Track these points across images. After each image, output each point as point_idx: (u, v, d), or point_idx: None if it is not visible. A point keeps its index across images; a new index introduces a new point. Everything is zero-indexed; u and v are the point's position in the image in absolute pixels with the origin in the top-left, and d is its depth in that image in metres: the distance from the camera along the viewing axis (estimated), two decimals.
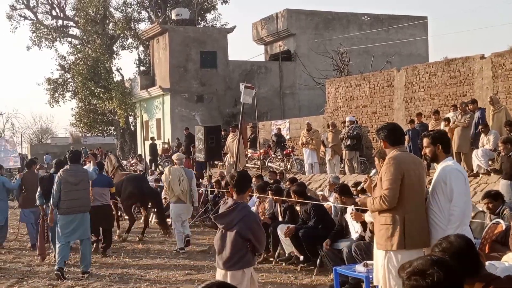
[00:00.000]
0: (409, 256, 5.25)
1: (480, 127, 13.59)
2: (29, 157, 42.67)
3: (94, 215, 10.47)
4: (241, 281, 5.41)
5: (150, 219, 14.82)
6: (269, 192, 10.87)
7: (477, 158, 13.29)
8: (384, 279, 5.54)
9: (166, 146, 29.20)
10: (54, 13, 41.96)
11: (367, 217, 6.98)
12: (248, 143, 23.65)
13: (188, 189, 11.58)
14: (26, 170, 13.48)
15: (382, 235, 5.57)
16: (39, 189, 10.97)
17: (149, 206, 14.47)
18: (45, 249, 11.15)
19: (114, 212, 13.12)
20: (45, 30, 41.05)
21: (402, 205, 5.48)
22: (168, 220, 13.23)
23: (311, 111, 28.87)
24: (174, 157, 12.63)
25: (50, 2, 41.80)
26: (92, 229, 10.55)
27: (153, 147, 27.98)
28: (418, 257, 2.78)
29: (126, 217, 14.42)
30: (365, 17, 34.24)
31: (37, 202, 11.11)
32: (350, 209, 8.19)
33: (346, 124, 18.28)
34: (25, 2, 41.24)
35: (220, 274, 5.52)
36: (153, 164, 27.08)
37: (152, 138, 29.73)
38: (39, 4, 41.70)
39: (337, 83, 22.95)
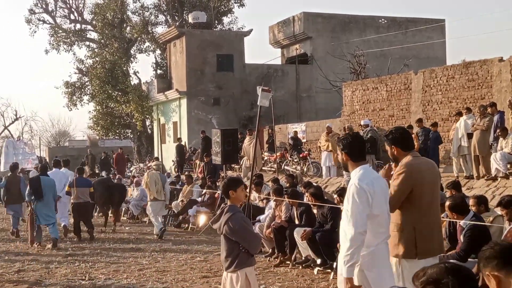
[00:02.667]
0: (423, 263, 5.15)
1: (498, 130, 13.49)
2: (48, 160, 43.10)
3: (79, 210, 14.03)
4: (236, 282, 5.58)
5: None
6: (285, 195, 10.86)
7: (496, 162, 13.19)
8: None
9: None
10: (72, 17, 42.45)
11: None
12: (265, 146, 23.64)
13: (161, 189, 14.34)
14: (10, 173, 15.87)
15: (390, 242, 5.41)
16: (28, 187, 13.28)
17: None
18: (34, 237, 13.26)
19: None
20: (64, 34, 41.44)
21: (411, 214, 5.28)
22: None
23: (327, 114, 28.79)
24: (153, 164, 15.86)
25: (68, 6, 42.27)
26: (77, 221, 14.14)
27: (180, 148, 27.34)
28: (432, 265, 2.72)
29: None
30: (382, 20, 34.12)
31: (26, 198, 13.45)
32: None
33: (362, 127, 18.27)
34: (44, 6, 41.72)
35: (224, 276, 5.75)
36: (179, 166, 26.50)
37: (179, 139, 29.16)
38: (58, 8, 42.23)
39: (354, 86, 22.89)
